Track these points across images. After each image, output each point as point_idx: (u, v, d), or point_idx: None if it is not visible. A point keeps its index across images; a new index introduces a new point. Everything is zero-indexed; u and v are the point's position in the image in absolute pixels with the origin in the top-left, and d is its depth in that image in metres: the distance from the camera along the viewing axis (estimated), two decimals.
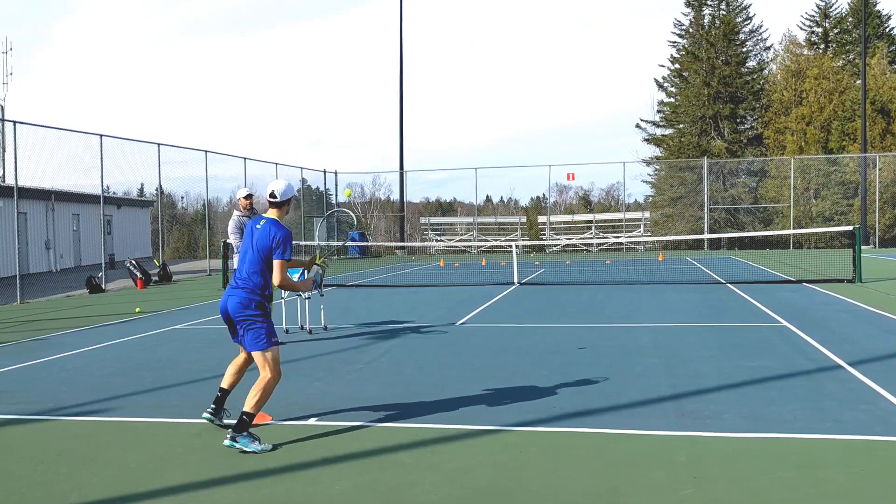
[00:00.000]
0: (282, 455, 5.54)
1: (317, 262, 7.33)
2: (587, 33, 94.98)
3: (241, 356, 6.21)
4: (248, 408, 5.70)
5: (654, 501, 4.53)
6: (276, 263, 5.86)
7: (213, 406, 6.26)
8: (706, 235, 34.69)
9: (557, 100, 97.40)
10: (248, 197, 10.49)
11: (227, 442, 5.64)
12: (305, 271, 7.75)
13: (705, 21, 50.47)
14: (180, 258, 42.57)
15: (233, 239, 10.19)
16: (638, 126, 52.48)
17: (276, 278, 5.90)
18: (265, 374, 5.79)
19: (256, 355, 5.83)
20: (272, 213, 6.16)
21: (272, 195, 6.14)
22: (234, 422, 5.79)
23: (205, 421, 6.27)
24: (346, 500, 4.66)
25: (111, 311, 15.44)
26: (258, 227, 6.03)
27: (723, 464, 5.10)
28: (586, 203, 59.90)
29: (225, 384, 6.27)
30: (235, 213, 10.32)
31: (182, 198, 52.14)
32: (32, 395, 7.71)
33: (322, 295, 11.94)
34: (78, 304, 17.23)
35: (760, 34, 50.98)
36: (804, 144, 46.36)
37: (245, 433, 5.64)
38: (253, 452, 5.56)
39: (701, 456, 5.27)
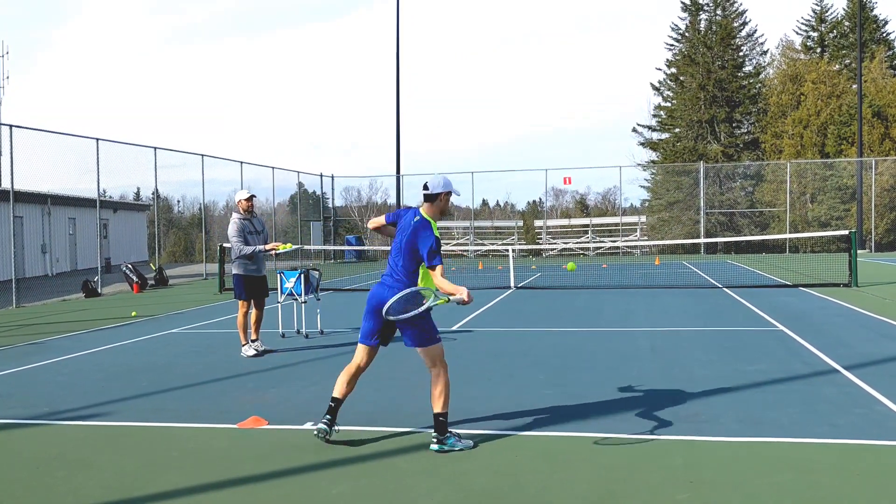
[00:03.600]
0: (278, 459, 5.53)
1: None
2: (584, 37, 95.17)
3: (356, 363, 5.96)
4: (439, 409, 5.63)
5: None
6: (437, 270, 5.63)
7: (328, 417, 5.83)
8: (703, 240, 34.76)
9: (554, 104, 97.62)
10: (250, 199, 10.35)
11: (434, 447, 5.58)
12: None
13: (702, 25, 50.57)
14: (177, 262, 42.51)
15: (234, 242, 10.04)
16: (634, 130, 52.56)
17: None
18: (438, 371, 5.68)
19: (423, 351, 5.68)
20: (425, 210, 5.83)
21: (425, 187, 5.80)
22: (324, 426, 5.76)
23: (317, 432, 5.82)
24: None
25: (107, 316, 15.41)
26: (413, 221, 5.75)
27: (719, 468, 5.11)
28: (583, 207, 59.98)
29: (339, 394, 5.92)
30: (235, 215, 10.22)
31: (178, 202, 52.20)
32: (28, 400, 7.70)
33: (318, 299, 11.93)
34: (74, 309, 17.20)
35: (756, 39, 51.11)
36: (801, 148, 46.45)
37: (448, 434, 5.61)
38: (461, 450, 5.54)
39: (697, 460, 5.27)
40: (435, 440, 5.60)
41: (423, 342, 5.67)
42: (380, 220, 6.18)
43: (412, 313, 5.46)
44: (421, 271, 5.74)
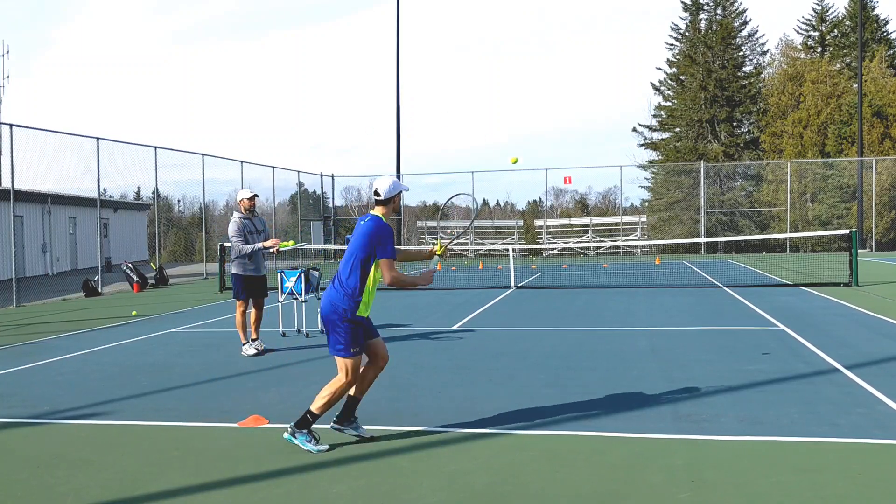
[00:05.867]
0: (278, 458, 5.53)
1: (437, 252, 6.43)
2: (584, 37, 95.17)
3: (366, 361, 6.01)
4: (315, 408, 5.69)
5: None
6: (383, 262, 5.69)
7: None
8: (703, 239, 34.75)
9: (554, 104, 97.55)
10: (252, 198, 10.32)
11: (286, 435, 5.70)
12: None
13: (702, 25, 50.55)
14: (177, 262, 42.54)
15: (234, 241, 10.02)
16: (635, 130, 52.54)
17: (385, 277, 5.72)
18: (340, 377, 5.74)
19: (337, 360, 5.72)
20: (379, 212, 5.91)
21: (376, 193, 5.88)
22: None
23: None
24: (343, 503, 4.65)
25: (107, 315, 15.41)
26: (361, 223, 5.85)
27: (720, 467, 5.10)
28: (583, 207, 59.95)
29: (352, 391, 6.01)
30: (236, 214, 10.19)
31: (179, 201, 52.19)
32: (28, 399, 7.69)
33: (319, 298, 11.92)
34: (74, 308, 17.20)
35: (757, 39, 51.10)
36: (801, 148, 46.45)
37: (307, 431, 5.69)
38: (307, 450, 5.61)
39: (698, 459, 5.27)
40: (289, 430, 5.70)
41: (336, 351, 5.71)
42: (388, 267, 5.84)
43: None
44: (370, 281, 5.75)
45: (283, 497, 4.77)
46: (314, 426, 5.73)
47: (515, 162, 6.83)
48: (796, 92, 48.01)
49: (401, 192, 5.97)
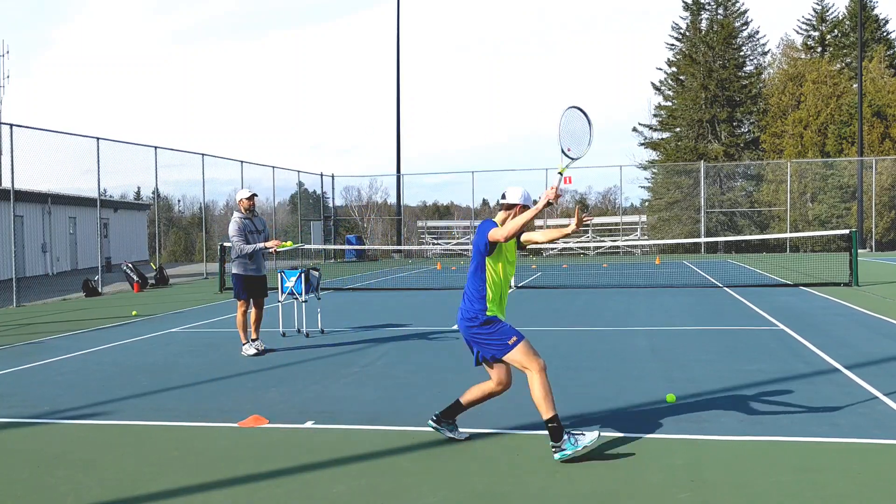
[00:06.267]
0: (278, 458, 5.53)
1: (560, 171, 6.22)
2: (584, 37, 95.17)
3: (490, 378, 5.87)
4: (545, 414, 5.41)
5: None
6: (491, 233, 5.49)
7: (439, 414, 5.90)
8: (703, 239, 34.74)
9: (555, 103, 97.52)
10: (251, 198, 10.32)
11: (557, 455, 5.29)
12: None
13: (703, 25, 50.55)
14: (177, 261, 42.54)
15: (234, 241, 10.00)
16: (635, 130, 52.57)
17: (500, 236, 5.42)
18: (527, 372, 5.50)
19: (507, 360, 5.54)
20: (499, 218, 5.72)
21: (503, 196, 5.75)
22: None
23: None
24: (343, 503, 4.65)
25: (107, 315, 15.41)
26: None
27: (720, 467, 5.10)
28: (583, 207, 59.94)
29: (461, 397, 5.94)
30: (236, 214, 10.19)
31: (179, 201, 52.24)
32: (28, 399, 7.69)
33: (319, 298, 11.93)
34: (74, 308, 17.20)
35: (758, 39, 51.10)
36: (801, 148, 46.45)
37: (563, 438, 5.32)
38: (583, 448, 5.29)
39: (698, 459, 5.27)
40: (554, 449, 5.30)
41: (502, 352, 5.51)
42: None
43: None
44: (491, 277, 5.57)
45: (283, 497, 4.77)
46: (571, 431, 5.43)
47: (672, 400, 6.81)
48: (797, 92, 48.01)
49: (525, 205, 5.72)
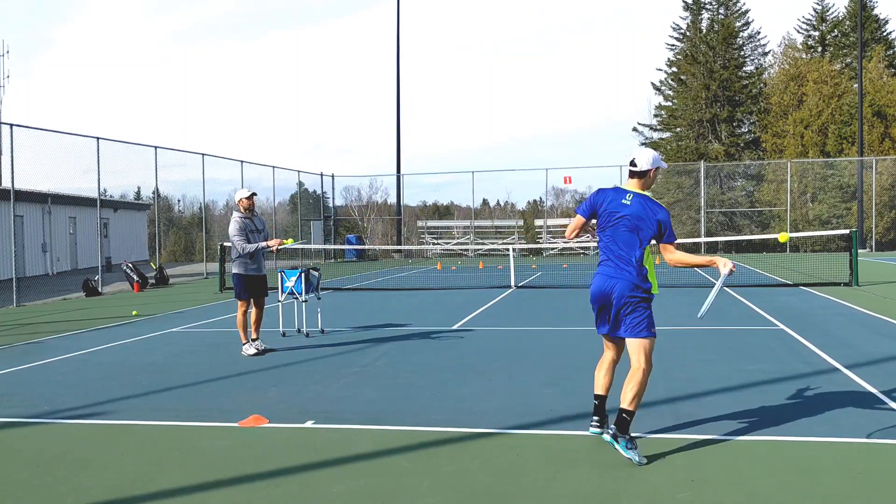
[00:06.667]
0: (278, 458, 5.53)
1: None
2: (585, 37, 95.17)
3: (608, 355, 5.72)
4: (627, 405, 5.25)
5: None
6: (671, 246, 5.39)
7: (596, 418, 5.74)
8: (703, 239, 34.71)
9: (555, 104, 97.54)
10: (251, 197, 10.32)
11: (607, 437, 5.29)
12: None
13: (703, 25, 50.55)
14: (177, 261, 42.54)
15: (236, 241, 9.99)
16: (635, 130, 52.60)
17: (671, 259, 5.39)
18: (640, 364, 5.30)
19: (633, 342, 5.35)
20: (635, 186, 5.54)
21: (633, 163, 5.50)
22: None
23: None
24: (343, 503, 4.65)
25: (107, 315, 15.41)
26: (625, 202, 5.42)
27: (720, 467, 5.10)
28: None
29: (600, 390, 5.73)
30: (236, 214, 10.18)
31: (179, 201, 52.21)
32: (28, 399, 7.69)
33: (319, 298, 11.93)
34: (74, 308, 17.20)
35: (759, 39, 51.09)
36: (802, 148, 46.44)
37: (626, 436, 5.21)
38: (629, 460, 5.16)
39: (698, 459, 5.27)
40: (610, 432, 5.28)
41: (637, 333, 5.36)
42: (577, 223, 5.69)
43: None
44: (645, 254, 5.40)
45: (283, 497, 4.77)
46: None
47: (785, 240, 6.71)
48: (797, 92, 48.00)
49: (658, 168, 5.57)
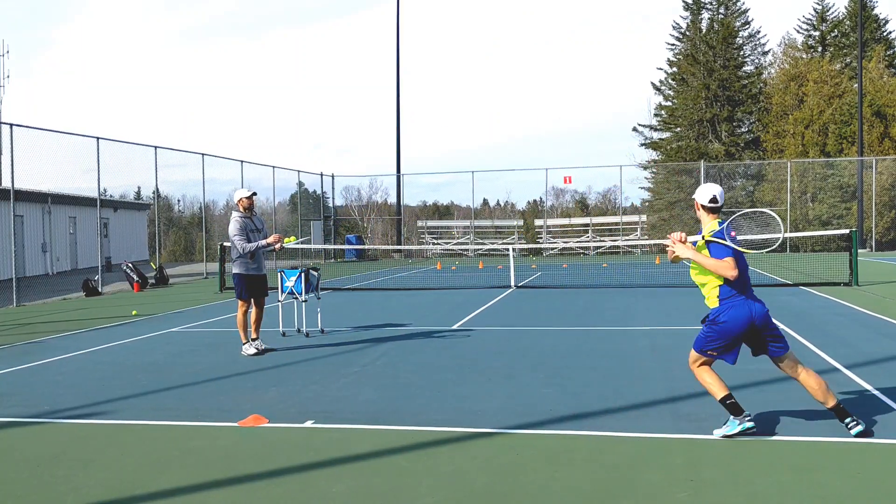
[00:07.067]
0: (278, 458, 5.53)
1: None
2: (584, 37, 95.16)
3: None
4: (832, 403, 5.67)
5: None
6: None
7: (746, 415, 5.96)
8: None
9: (554, 104, 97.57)
10: (251, 197, 10.32)
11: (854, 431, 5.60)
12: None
13: (703, 25, 50.55)
14: (177, 261, 42.53)
15: (236, 240, 9.99)
16: (635, 130, 52.59)
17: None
18: (803, 369, 5.83)
19: (790, 355, 5.90)
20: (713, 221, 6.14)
21: (714, 200, 6.14)
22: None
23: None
24: (343, 502, 4.65)
25: (107, 315, 15.41)
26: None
27: (719, 466, 5.10)
28: (583, 207, 59.96)
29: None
30: (235, 213, 10.18)
31: (179, 201, 52.23)
32: (29, 398, 7.70)
33: (319, 298, 11.93)
34: (74, 308, 17.20)
35: (759, 39, 51.10)
36: (802, 148, 46.44)
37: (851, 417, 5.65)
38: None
39: (698, 459, 5.27)
40: (860, 427, 5.60)
41: (786, 347, 5.94)
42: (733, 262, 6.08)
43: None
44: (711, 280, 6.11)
45: (282, 497, 4.77)
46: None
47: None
48: (798, 92, 48.00)
49: (703, 205, 6.28)
